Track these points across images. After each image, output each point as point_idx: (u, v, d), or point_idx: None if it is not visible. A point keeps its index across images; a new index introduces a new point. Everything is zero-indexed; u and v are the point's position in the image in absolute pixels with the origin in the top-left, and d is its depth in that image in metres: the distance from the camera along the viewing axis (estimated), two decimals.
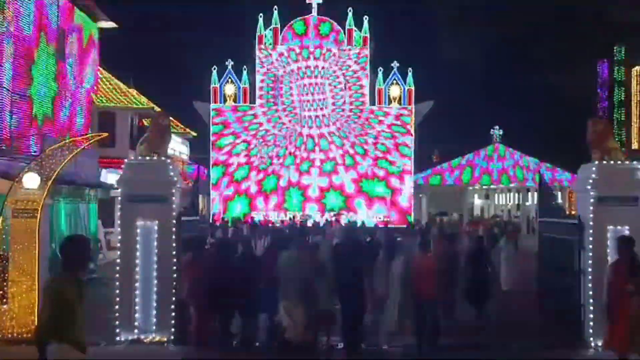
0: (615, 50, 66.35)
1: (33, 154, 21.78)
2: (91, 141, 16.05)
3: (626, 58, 65.60)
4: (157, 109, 35.22)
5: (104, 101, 34.02)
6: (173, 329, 12.78)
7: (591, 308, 12.63)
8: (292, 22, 42.49)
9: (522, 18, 73.16)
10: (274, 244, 15.38)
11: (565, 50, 72.71)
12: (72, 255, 6.70)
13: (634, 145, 63.02)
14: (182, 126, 43.64)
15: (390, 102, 42.00)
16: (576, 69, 66.64)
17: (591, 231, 12.84)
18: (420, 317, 12.51)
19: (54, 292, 6.48)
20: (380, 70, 42.08)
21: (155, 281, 12.85)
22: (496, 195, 55.57)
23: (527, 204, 50.78)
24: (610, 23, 62.10)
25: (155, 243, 12.94)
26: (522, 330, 14.43)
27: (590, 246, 12.81)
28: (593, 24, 66.42)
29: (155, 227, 12.96)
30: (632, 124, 64.26)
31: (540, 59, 74.14)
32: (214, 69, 41.80)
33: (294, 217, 38.78)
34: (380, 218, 41.01)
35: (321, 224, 32.93)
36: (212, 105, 41.78)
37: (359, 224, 31.52)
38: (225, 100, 41.84)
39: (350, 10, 42.22)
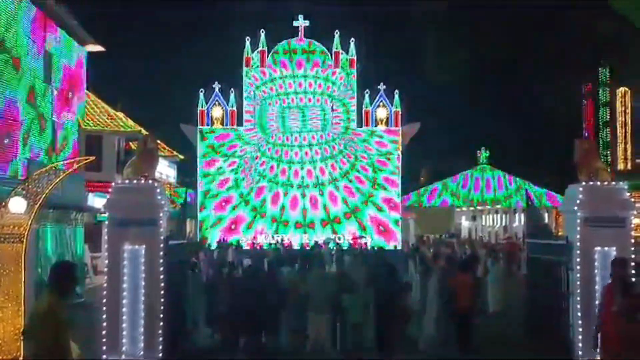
0: (600, 72, 66.89)
1: (19, 177, 21.68)
2: (78, 165, 15.98)
3: (611, 79, 66.10)
4: (144, 132, 35.19)
5: (91, 125, 33.96)
6: (161, 354, 12.68)
7: (580, 329, 12.63)
8: (279, 44, 42.69)
9: (508, 38, 73.68)
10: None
11: (551, 71, 73.28)
12: (59, 280, 6.68)
13: (620, 166, 63.35)
14: (169, 149, 43.61)
15: (377, 124, 42.14)
16: (562, 89, 67.08)
17: (579, 252, 12.87)
18: (461, 329, 14.44)
19: (50, 317, 6.45)
20: (367, 92, 42.26)
21: (143, 305, 12.76)
22: (483, 216, 55.71)
23: (514, 225, 50.91)
24: (595, 44, 62.59)
25: (143, 267, 12.86)
26: (510, 350, 14.43)
27: (578, 267, 12.84)
28: (578, 44, 66.96)
29: (143, 251, 12.89)
30: (618, 144, 64.63)
31: (526, 79, 74.59)
32: (201, 91, 41.84)
33: (282, 239, 38.88)
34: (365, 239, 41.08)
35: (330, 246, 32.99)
36: (199, 128, 41.81)
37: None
38: (212, 123, 41.85)
39: (337, 33, 42.46)
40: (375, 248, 33.01)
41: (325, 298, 14.30)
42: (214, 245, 35.52)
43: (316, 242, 35.24)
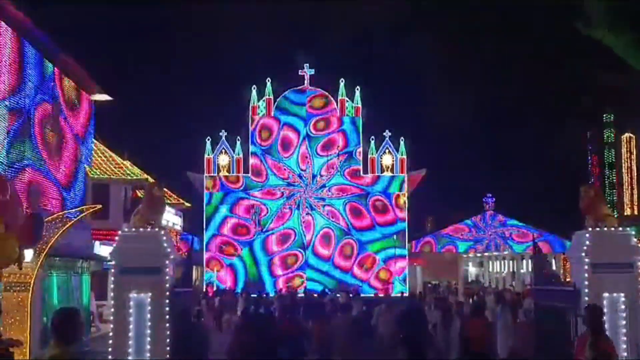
0: (604, 117, 67.18)
1: None
2: (85, 214, 16.04)
3: (615, 124, 66.37)
4: (151, 179, 35.31)
5: (98, 173, 34.11)
6: None
7: None
8: (285, 93, 43.04)
9: (512, 86, 74.19)
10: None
11: (555, 117, 73.67)
12: (63, 328, 6.65)
13: (626, 211, 63.21)
14: (175, 197, 43.68)
15: (382, 170, 42.26)
16: (567, 135, 67.29)
17: (587, 298, 12.78)
18: None
19: None
20: (372, 139, 42.47)
21: (148, 354, 12.67)
22: (490, 262, 55.42)
23: (521, 271, 50.61)
24: (599, 89, 62.96)
25: (149, 315, 12.80)
26: None
27: None
28: (582, 91, 67.35)
29: (149, 299, 12.84)
30: (624, 190, 64.59)
31: (531, 125, 74.94)
32: (208, 139, 42.13)
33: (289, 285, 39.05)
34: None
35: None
36: (206, 176, 41.99)
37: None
38: (218, 171, 42.05)
39: (342, 81, 42.83)
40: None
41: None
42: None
43: (323, 290, 35.09)
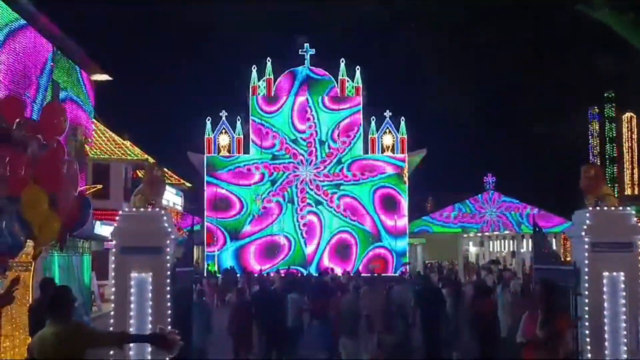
0: (605, 97, 67.03)
1: None
2: (86, 194, 16.03)
3: (616, 105, 66.25)
4: (151, 160, 35.33)
5: (98, 153, 34.13)
6: None
7: (589, 355, 12.55)
8: (285, 72, 42.90)
9: (514, 66, 73.95)
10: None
11: (557, 97, 73.49)
12: (59, 306, 6.74)
13: (627, 191, 63.23)
14: (176, 177, 43.70)
15: (383, 150, 42.21)
16: (568, 114, 67.20)
17: (587, 277, 12.82)
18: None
19: (69, 340, 6.51)
20: (373, 119, 42.38)
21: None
22: (491, 242, 55.49)
23: (521, 250, 50.69)
24: (600, 70, 62.82)
25: (150, 295, 12.84)
26: None
27: (586, 292, 12.79)
28: (583, 71, 67.21)
29: (150, 279, 12.87)
30: (625, 170, 64.56)
31: (532, 106, 74.81)
32: (208, 119, 42.06)
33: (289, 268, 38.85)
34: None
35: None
36: (206, 156, 41.94)
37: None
38: (219, 151, 41.99)
39: (342, 61, 42.70)
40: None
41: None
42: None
43: (325, 270, 35.02)
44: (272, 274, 30.67)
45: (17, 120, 10.06)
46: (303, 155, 41.24)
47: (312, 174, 41.22)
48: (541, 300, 10.29)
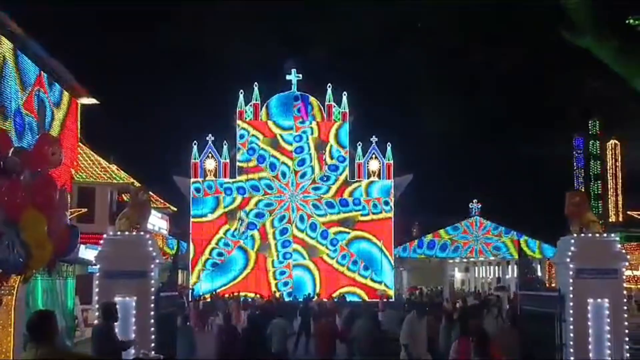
0: (590, 124, 67.49)
1: None
2: (70, 217, 15.95)
3: (601, 131, 66.70)
4: (137, 183, 35.22)
5: (84, 177, 34.02)
6: None
7: None
8: (272, 97, 43.00)
9: (499, 91, 74.53)
10: None
11: (542, 124, 74.02)
12: (41, 331, 6.68)
13: (612, 219, 63.48)
14: (161, 201, 43.56)
15: (369, 175, 42.28)
16: (553, 142, 67.59)
17: (571, 303, 12.86)
18: None
19: None
20: (359, 144, 42.49)
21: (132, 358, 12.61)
22: (476, 268, 55.59)
23: (507, 276, 50.80)
24: (585, 97, 63.30)
25: (134, 319, 12.76)
26: None
27: (571, 318, 12.82)
28: (568, 98, 67.74)
29: (134, 303, 12.80)
30: (609, 197, 64.89)
31: (518, 132, 75.25)
32: (195, 144, 42.04)
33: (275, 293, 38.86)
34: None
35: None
36: (192, 180, 41.87)
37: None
38: (205, 175, 41.94)
39: (329, 87, 42.85)
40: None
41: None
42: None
43: (308, 295, 35.02)
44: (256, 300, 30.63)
45: (12, 148, 10.05)
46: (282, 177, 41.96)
47: (294, 197, 41.71)
48: (473, 330, 10.46)
